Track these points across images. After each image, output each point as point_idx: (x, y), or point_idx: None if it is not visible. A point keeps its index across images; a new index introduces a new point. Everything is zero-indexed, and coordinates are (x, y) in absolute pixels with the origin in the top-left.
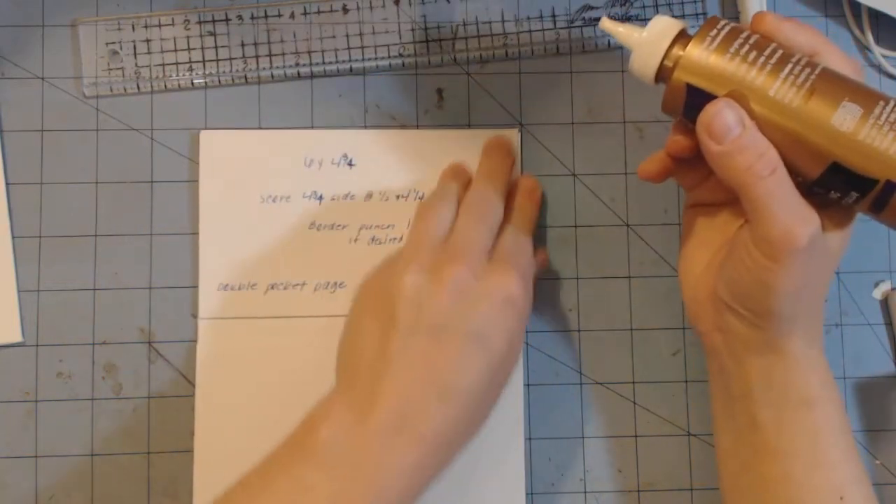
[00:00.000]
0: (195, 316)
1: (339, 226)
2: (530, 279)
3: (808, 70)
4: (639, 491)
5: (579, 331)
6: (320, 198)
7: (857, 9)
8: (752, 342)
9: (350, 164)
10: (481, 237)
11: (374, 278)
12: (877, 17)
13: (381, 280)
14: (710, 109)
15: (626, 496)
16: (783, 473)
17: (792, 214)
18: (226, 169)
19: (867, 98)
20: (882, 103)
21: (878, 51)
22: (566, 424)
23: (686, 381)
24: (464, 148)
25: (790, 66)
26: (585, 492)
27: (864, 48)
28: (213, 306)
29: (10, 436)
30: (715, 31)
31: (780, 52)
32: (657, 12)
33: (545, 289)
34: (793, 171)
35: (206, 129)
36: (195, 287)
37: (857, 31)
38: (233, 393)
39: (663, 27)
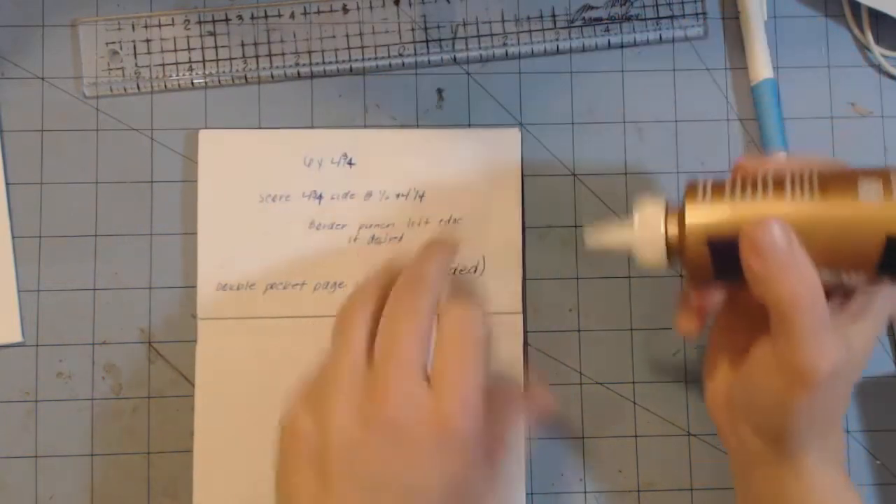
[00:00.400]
0: (195, 316)
1: (338, 225)
2: (479, 399)
3: (807, 173)
4: (639, 491)
5: (579, 331)
6: (320, 197)
7: (857, 9)
8: (765, 455)
9: (350, 164)
10: (413, 355)
11: (303, 407)
12: (877, 17)
13: (311, 414)
14: (758, 229)
15: (626, 496)
16: None
17: (823, 344)
18: (225, 168)
19: (870, 172)
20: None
21: (878, 51)
22: (566, 425)
23: (686, 381)
24: (464, 148)
25: (789, 177)
26: (585, 492)
27: (864, 48)
28: (213, 306)
29: (10, 436)
30: (701, 190)
31: (770, 173)
32: (657, 12)
33: (545, 289)
34: (850, 268)
35: (205, 128)
36: (195, 287)
37: (857, 31)
38: (233, 393)
39: (649, 216)
